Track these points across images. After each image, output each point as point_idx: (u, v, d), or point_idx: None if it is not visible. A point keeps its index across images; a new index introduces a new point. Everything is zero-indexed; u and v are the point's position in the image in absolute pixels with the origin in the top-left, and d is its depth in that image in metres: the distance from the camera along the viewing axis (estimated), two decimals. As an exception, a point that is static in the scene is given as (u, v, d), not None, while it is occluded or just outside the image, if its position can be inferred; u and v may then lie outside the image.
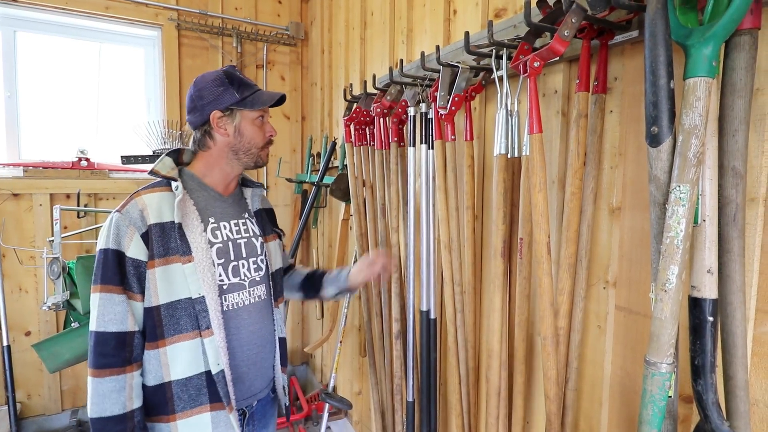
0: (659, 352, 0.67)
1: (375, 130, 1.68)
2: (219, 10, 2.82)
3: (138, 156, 2.55)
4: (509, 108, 1.03)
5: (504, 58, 1.03)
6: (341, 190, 2.18)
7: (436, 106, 1.23)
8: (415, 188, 1.43)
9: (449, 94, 1.20)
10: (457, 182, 1.29)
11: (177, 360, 1.02)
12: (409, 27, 1.74)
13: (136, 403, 1.00)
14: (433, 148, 1.33)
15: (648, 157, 0.70)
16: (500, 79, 1.04)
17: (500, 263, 1.08)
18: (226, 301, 1.09)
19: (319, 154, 2.79)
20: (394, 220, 1.62)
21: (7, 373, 2.18)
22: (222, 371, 1.04)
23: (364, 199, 1.83)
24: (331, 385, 2.14)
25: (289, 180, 2.91)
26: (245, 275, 1.14)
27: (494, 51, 1.07)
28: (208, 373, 1.03)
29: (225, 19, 2.84)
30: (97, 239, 1.04)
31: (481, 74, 1.24)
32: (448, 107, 1.19)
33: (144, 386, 1.03)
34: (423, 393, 1.43)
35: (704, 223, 0.67)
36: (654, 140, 0.68)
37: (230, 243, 1.12)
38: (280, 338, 1.23)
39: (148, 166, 0.94)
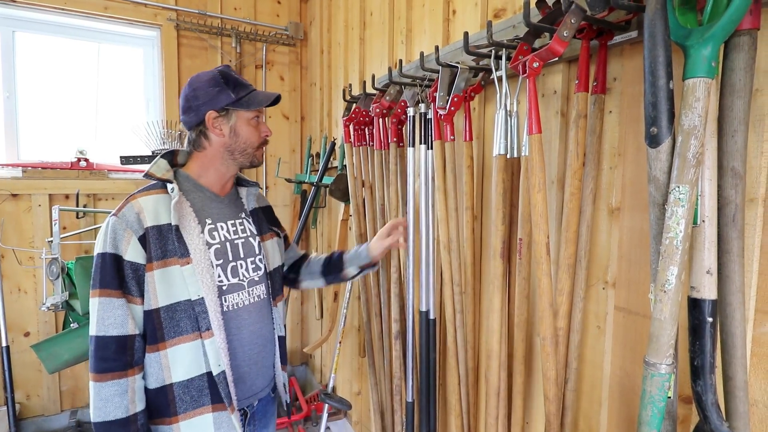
0: (658, 353, 0.67)
1: (374, 130, 1.68)
2: (218, 10, 2.82)
3: (137, 156, 2.54)
4: (508, 108, 1.03)
5: (503, 58, 1.03)
6: (340, 191, 2.18)
7: (436, 106, 1.23)
8: (415, 189, 1.43)
9: (448, 95, 1.20)
10: (456, 183, 1.29)
11: (178, 362, 1.01)
12: (409, 27, 1.73)
13: (139, 406, 1.00)
14: (432, 149, 1.33)
15: (647, 157, 0.70)
16: (499, 79, 1.04)
17: (499, 264, 1.08)
18: (226, 301, 1.09)
19: (318, 155, 2.79)
20: (393, 221, 1.62)
21: (6, 373, 2.17)
22: (223, 372, 1.03)
23: (364, 199, 1.83)
24: (331, 385, 2.14)
25: (289, 180, 2.91)
26: (244, 275, 1.13)
27: (493, 51, 1.07)
28: (209, 374, 1.03)
29: (224, 19, 2.84)
30: (96, 239, 1.04)
31: (481, 75, 1.24)
32: (448, 107, 1.19)
33: (146, 389, 1.03)
34: (422, 393, 1.43)
35: (703, 224, 0.67)
36: (653, 141, 0.68)
37: (228, 244, 1.12)
38: (279, 337, 1.23)
39: (147, 167, 0.94)
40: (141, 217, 1.00)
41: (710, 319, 0.66)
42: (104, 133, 2.73)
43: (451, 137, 1.24)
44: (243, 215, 1.20)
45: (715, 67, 0.63)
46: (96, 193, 2.58)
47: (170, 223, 1.01)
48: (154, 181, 1.07)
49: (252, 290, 1.15)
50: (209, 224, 1.10)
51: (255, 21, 2.92)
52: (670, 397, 0.69)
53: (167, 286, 1.00)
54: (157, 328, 1.00)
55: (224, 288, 1.09)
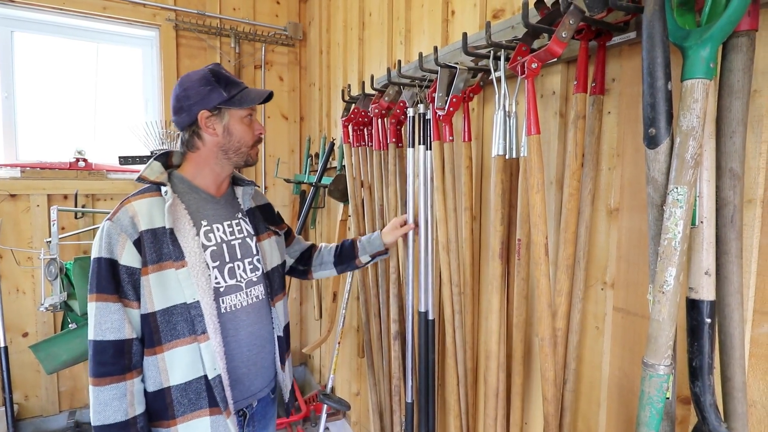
0: (657, 354, 0.67)
1: (373, 130, 1.68)
2: (217, 10, 2.82)
3: (136, 156, 2.54)
4: (507, 109, 1.03)
5: (502, 59, 1.03)
6: (339, 191, 2.18)
7: (434, 106, 1.23)
8: (414, 189, 1.43)
9: (447, 95, 1.20)
10: (455, 183, 1.29)
11: (175, 365, 1.01)
12: (407, 28, 1.73)
13: (139, 409, 1.00)
14: (431, 149, 1.33)
15: (646, 158, 0.70)
16: (498, 80, 1.04)
17: (498, 264, 1.08)
18: (223, 303, 1.08)
19: (317, 155, 2.79)
20: (392, 221, 1.62)
21: (5, 374, 2.17)
22: (219, 376, 1.03)
23: (363, 199, 1.83)
24: (330, 385, 2.14)
25: (288, 180, 2.91)
26: (241, 276, 1.13)
27: (492, 52, 1.07)
28: (206, 377, 1.03)
29: (223, 19, 2.83)
30: (94, 240, 1.04)
31: (479, 75, 1.24)
32: (446, 108, 1.19)
33: (145, 392, 1.03)
34: (421, 394, 1.43)
35: (702, 225, 0.67)
36: (652, 142, 0.68)
37: (224, 245, 1.11)
38: (278, 336, 1.22)
39: (142, 168, 0.94)
40: (135, 220, 1.00)
41: (708, 320, 0.66)
42: (103, 133, 2.73)
43: (450, 138, 1.24)
44: (239, 215, 1.19)
45: (713, 68, 0.63)
46: (95, 194, 2.57)
47: (165, 227, 1.01)
48: (148, 185, 1.06)
49: (250, 291, 1.15)
50: (205, 226, 1.09)
51: (254, 21, 2.92)
52: (668, 398, 0.69)
53: (163, 289, 1.00)
54: (154, 332, 1.00)
55: (221, 290, 1.08)
